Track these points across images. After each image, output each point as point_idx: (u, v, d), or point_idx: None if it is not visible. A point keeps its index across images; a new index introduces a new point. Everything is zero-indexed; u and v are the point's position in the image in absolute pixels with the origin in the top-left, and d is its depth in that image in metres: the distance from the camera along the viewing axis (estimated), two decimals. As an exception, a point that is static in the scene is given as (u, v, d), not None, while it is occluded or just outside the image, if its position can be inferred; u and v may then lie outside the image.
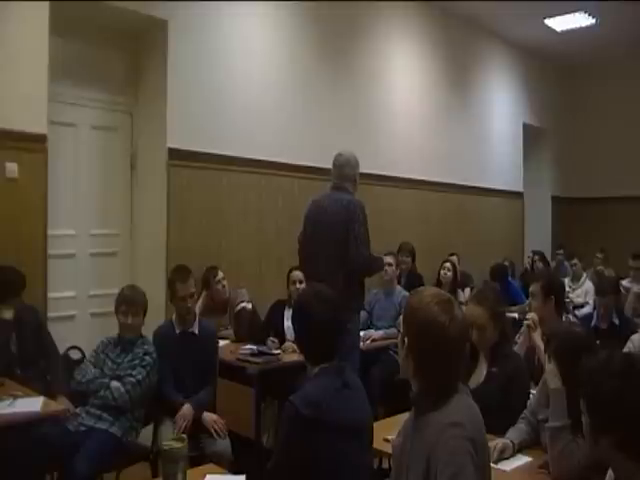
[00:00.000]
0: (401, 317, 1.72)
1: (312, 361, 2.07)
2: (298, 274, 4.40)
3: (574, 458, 2.01)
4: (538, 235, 9.05)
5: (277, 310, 4.43)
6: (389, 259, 4.83)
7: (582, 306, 6.31)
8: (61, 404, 3.01)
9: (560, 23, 7.64)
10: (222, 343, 3.99)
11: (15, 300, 3.43)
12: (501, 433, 2.32)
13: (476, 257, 7.26)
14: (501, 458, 2.21)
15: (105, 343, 3.30)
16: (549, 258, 8.19)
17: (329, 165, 5.07)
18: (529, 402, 2.46)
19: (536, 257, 7.59)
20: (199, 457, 2.93)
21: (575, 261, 6.93)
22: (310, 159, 5.47)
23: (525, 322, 3.10)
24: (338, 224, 3.56)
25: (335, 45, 5.87)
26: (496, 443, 2.23)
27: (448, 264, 5.83)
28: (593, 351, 1.91)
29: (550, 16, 7.42)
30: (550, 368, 2.18)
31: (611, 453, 1.41)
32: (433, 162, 7.00)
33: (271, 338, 4.09)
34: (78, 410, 3.12)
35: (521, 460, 2.24)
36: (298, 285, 4.37)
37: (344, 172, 3.76)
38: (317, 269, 3.66)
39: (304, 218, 3.88)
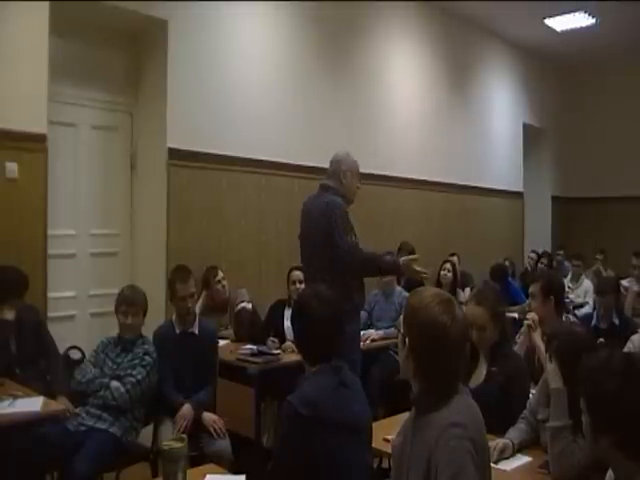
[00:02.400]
0: (401, 317, 1.72)
1: (310, 361, 2.07)
2: (298, 274, 4.41)
3: (574, 458, 2.01)
4: (538, 235, 9.05)
5: (277, 310, 4.43)
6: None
7: (582, 306, 6.31)
8: (61, 404, 3.01)
9: (560, 23, 7.64)
10: (222, 343, 3.99)
11: (17, 300, 3.43)
12: (501, 433, 2.32)
13: (476, 257, 7.26)
14: (501, 458, 2.21)
15: (105, 343, 3.30)
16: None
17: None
18: (529, 402, 2.46)
19: (542, 259, 7.56)
20: (199, 457, 2.93)
21: (577, 262, 6.93)
22: (310, 159, 5.47)
23: (525, 322, 3.10)
24: (319, 231, 3.43)
25: (335, 45, 5.87)
26: (496, 443, 2.23)
27: (448, 264, 5.83)
28: (594, 351, 1.91)
29: (550, 16, 7.42)
30: (551, 368, 2.18)
31: (611, 452, 1.41)
32: (433, 162, 7.00)
33: (271, 338, 4.09)
34: (78, 410, 3.12)
35: (521, 460, 2.24)
36: (298, 285, 4.37)
37: (330, 169, 3.64)
38: (309, 272, 3.61)
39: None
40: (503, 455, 2.23)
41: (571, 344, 2.17)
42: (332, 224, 3.35)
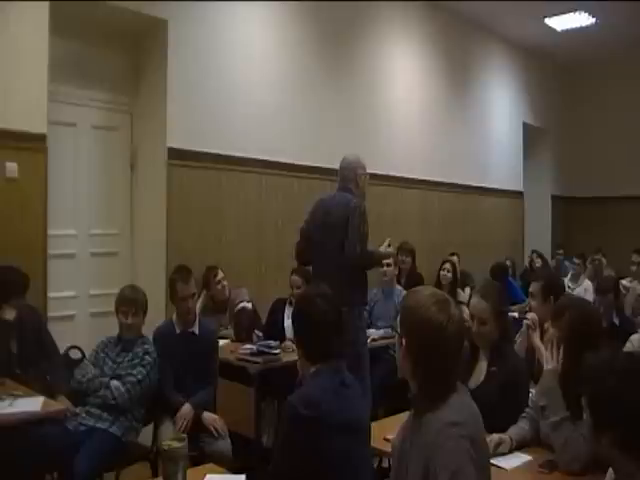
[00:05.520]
0: (398, 317, 1.72)
1: (310, 360, 2.06)
2: (297, 280, 4.37)
3: (579, 445, 2.02)
4: (538, 235, 9.05)
5: (278, 308, 4.43)
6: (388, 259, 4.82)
7: (582, 306, 6.29)
8: (61, 404, 3.01)
9: (560, 22, 7.65)
10: (222, 343, 3.99)
11: (18, 301, 3.42)
12: (501, 433, 2.31)
13: (476, 257, 7.25)
14: (498, 452, 2.19)
15: (105, 343, 3.31)
16: (549, 258, 8.20)
17: (329, 165, 5.07)
18: (531, 400, 2.45)
19: (534, 255, 7.60)
20: (199, 457, 2.93)
21: (579, 261, 6.93)
22: (310, 159, 5.47)
23: (525, 322, 3.10)
24: (339, 228, 3.67)
25: (335, 45, 5.87)
26: (492, 437, 2.21)
27: (448, 265, 5.81)
28: (601, 324, 1.99)
29: (550, 15, 7.43)
30: (550, 369, 2.19)
31: (612, 451, 1.41)
32: (433, 162, 7.00)
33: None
34: (78, 410, 3.12)
35: (521, 459, 2.22)
36: (296, 290, 4.34)
37: (344, 174, 3.90)
38: (322, 270, 3.74)
39: (309, 214, 3.94)
40: (499, 449, 2.21)
41: (583, 310, 2.27)
42: (350, 228, 3.61)
